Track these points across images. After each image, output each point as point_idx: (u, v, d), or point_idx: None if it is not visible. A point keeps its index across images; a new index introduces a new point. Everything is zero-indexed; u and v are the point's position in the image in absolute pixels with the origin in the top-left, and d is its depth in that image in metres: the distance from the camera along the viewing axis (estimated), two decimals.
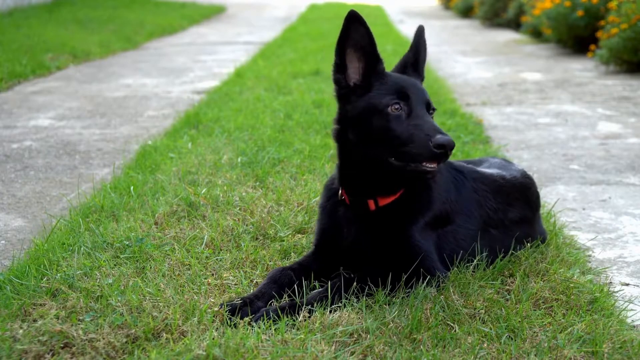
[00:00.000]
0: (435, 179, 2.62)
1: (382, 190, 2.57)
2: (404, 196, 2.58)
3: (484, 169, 2.91)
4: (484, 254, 2.68)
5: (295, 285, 2.49)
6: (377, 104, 2.45)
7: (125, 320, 2.24)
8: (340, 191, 2.66)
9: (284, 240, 3.01)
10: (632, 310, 2.52)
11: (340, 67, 2.54)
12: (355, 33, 2.48)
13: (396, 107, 2.44)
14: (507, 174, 2.93)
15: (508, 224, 2.81)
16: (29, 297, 2.42)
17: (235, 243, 2.97)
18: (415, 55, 2.67)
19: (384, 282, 2.45)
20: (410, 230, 2.53)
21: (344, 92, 2.55)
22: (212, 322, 2.27)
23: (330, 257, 2.65)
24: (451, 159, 2.89)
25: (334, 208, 2.69)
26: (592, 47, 9.17)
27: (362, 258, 2.57)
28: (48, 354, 2.11)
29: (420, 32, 2.71)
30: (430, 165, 2.38)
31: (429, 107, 2.50)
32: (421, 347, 2.15)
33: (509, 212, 2.82)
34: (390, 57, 8.89)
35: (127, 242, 2.90)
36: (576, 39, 10.06)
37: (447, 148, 2.34)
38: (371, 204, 2.58)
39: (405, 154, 2.39)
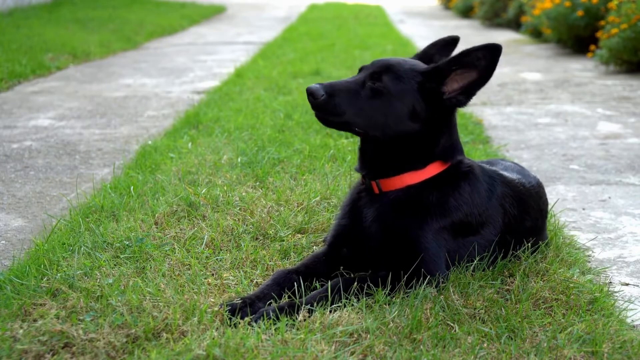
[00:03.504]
0: (470, 184, 2.62)
1: (374, 167, 2.62)
2: (423, 194, 2.56)
3: (506, 174, 2.87)
4: (485, 253, 2.68)
5: (295, 286, 2.49)
6: None
7: (126, 320, 2.24)
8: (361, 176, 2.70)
9: (284, 240, 3.01)
10: (632, 310, 2.52)
11: None
12: None
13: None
14: (526, 181, 2.91)
15: (523, 231, 2.80)
16: (29, 297, 2.42)
17: (235, 243, 2.97)
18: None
19: (384, 282, 2.45)
20: (421, 229, 2.51)
21: None
22: (212, 322, 2.27)
23: (340, 256, 2.64)
24: (485, 166, 2.85)
25: (356, 197, 2.70)
26: (592, 47, 9.16)
27: (374, 247, 2.56)
28: (48, 353, 2.11)
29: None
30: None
31: (374, 76, 2.53)
32: (421, 347, 2.15)
33: (526, 220, 2.80)
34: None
35: (127, 242, 2.90)
36: (576, 39, 10.06)
37: (308, 94, 2.48)
38: (374, 187, 2.59)
39: None
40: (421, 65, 2.62)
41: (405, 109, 2.52)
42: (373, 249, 2.57)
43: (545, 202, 3.01)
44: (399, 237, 2.52)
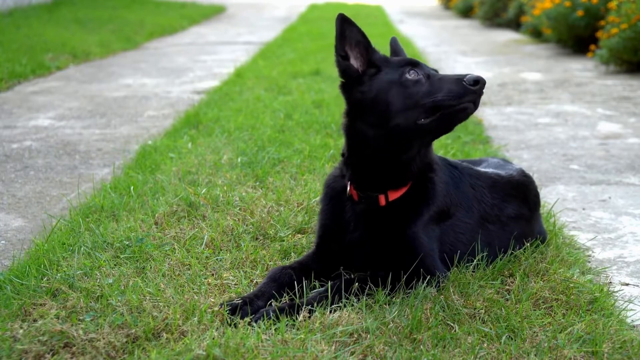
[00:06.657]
0: (437, 174, 2.65)
1: (395, 181, 2.56)
2: (410, 191, 2.60)
3: (479, 168, 2.93)
4: (484, 253, 2.69)
5: (295, 285, 2.50)
6: (393, 77, 2.51)
7: (126, 320, 2.24)
8: (348, 187, 2.65)
9: (284, 240, 3.01)
10: (632, 310, 2.52)
11: (344, 58, 2.59)
12: (350, 32, 2.59)
13: (412, 73, 2.50)
14: (503, 172, 2.96)
15: (505, 219, 2.83)
16: (29, 297, 2.42)
17: (235, 243, 2.97)
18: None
19: (384, 282, 2.46)
20: (415, 226, 2.54)
21: (351, 81, 2.57)
22: (212, 322, 2.27)
23: (331, 256, 2.65)
24: (450, 158, 2.90)
25: (339, 205, 2.68)
26: (592, 47, 9.16)
27: (364, 256, 2.57)
28: (48, 353, 2.11)
29: (395, 42, 2.82)
30: (467, 103, 2.43)
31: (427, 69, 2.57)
32: (421, 347, 2.15)
33: (505, 208, 2.84)
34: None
35: (127, 242, 2.90)
36: (576, 39, 10.06)
37: (481, 83, 2.41)
38: (382, 199, 2.58)
39: (438, 103, 2.43)
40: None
41: None
42: (363, 255, 2.58)
43: (532, 191, 3.03)
44: (396, 239, 2.53)
